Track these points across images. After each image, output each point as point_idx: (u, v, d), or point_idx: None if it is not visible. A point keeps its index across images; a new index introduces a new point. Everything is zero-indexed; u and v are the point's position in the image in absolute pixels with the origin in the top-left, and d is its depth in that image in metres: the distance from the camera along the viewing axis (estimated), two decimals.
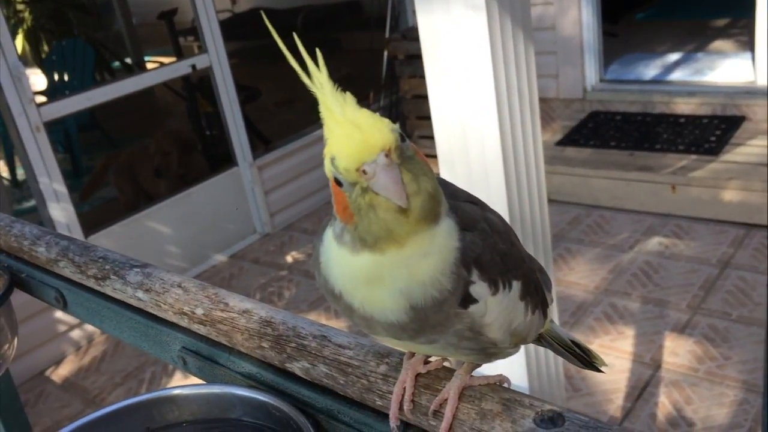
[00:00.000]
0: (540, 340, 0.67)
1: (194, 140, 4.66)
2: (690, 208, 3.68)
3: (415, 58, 4.59)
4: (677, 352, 2.81)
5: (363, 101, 5.41)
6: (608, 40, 4.87)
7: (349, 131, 0.50)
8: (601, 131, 4.34)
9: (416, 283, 0.51)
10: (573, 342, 0.70)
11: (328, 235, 0.55)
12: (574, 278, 3.40)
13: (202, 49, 4.06)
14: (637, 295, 3.20)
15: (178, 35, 4.89)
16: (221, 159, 4.42)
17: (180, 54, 4.85)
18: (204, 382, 0.73)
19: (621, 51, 5.14)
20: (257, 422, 0.64)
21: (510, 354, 0.58)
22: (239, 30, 5.68)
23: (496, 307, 0.54)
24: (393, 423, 0.58)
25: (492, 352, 0.56)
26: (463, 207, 0.55)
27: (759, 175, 3.52)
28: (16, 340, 0.98)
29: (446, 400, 0.56)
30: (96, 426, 0.66)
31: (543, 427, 0.48)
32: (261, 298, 3.77)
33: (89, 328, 3.71)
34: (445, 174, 1.67)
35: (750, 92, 4.15)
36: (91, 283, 0.86)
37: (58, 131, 4.61)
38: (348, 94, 0.53)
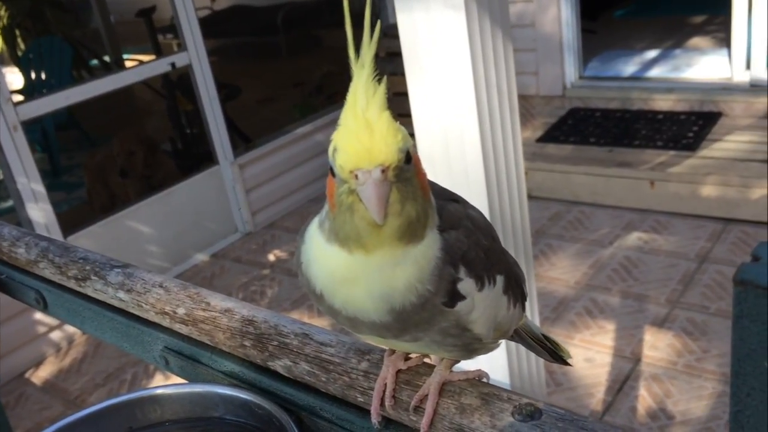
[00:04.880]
0: (513, 335, 0.68)
1: (161, 141, 4.63)
2: (668, 203, 3.73)
3: (395, 56, 4.59)
4: (657, 345, 2.84)
5: (344, 98, 5.40)
6: (587, 37, 4.91)
7: (360, 132, 0.49)
8: (581, 128, 4.37)
9: (392, 289, 0.51)
10: (544, 336, 0.71)
11: (311, 229, 0.56)
12: (555, 274, 3.43)
13: (182, 47, 4.03)
14: (617, 289, 3.23)
15: (157, 33, 4.85)
16: (202, 157, 4.39)
17: (159, 52, 4.81)
18: (186, 382, 0.73)
19: (600, 48, 5.18)
20: (240, 420, 0.65)
21: (491, 349, 0.59)
22: (219, 27, 5.65)
23: (482, 302, 0.55)
24: (374, 419, 0.58)
25: (474, 347, 0.57)
26: (447, 207, 0.56)
27: (736, 170, 3.57)
28: None
29: (427, 395, 0.56)
30: (78, 426, 0.66)
31: (521, 421, 0.49)
32: (243, 297, 3.76)
33: (69, 329, 3.67)
34: (426, 172, 1.67)
35: (727, 88, 4.21)
36: (71, 284, 0.85)
37: (36, 130, 4.56)
38: (381, 88, 0.51)
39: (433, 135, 1.60)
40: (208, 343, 0.71)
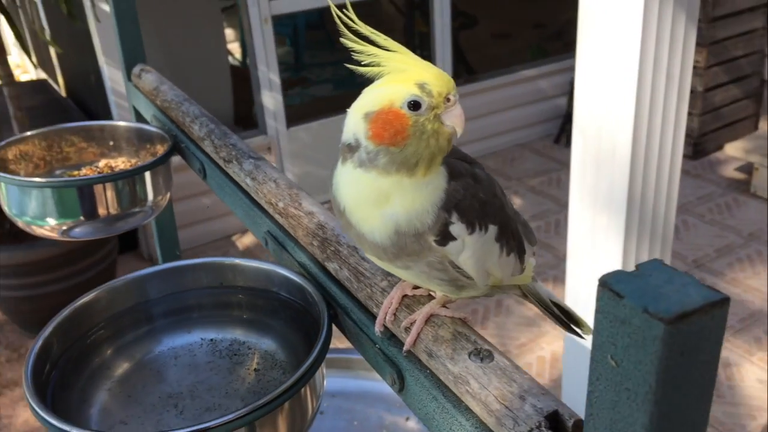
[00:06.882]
0: (523, 294, 0.75)
1: None
2: None
3: None
4: None
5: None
6: None
7: (434, 69, 0.62)
8: None
9: (406, 212, 0.61)
10: (553, 302, 0.77)
11: (346, 164, 0.65)
12: (756, 283, 3.16)
13: None
14: None
15: None
16: None
17: None
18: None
19: None
20: (290, 299, 0.81)
21: (480, 292, 0.68)
22: None
23: (472, 245, 0.63)
24: (377, 329, 0.70)
25: (461, 285, 0.66)
26: (453, 161, 0.65)
27: None
28: (169, 194, 1.22)
29: (415, 321, 0.66)
30: (182, 271, 0.87)
31: (471, 360, 0.58)
32: None
33: None
34: (578, 139, 1.66)
35: None
36: (221, 164, 1.06)
37: (289, 25, 5.00)
38: None
39: (590, 108, 1.56)
40: (293, 235, 0.87)
